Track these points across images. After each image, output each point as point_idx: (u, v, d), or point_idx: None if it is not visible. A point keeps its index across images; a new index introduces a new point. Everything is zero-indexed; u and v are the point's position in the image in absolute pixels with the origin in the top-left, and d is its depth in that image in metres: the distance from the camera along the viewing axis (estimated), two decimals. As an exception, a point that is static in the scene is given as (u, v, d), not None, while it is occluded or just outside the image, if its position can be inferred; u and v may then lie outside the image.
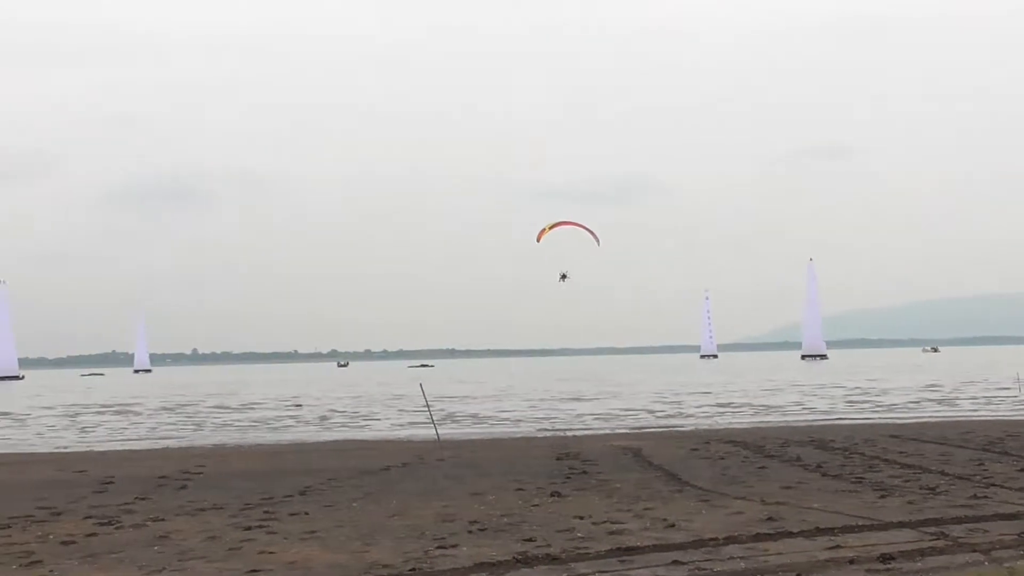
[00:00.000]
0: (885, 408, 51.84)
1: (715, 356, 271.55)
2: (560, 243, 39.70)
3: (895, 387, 75.00)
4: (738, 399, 63.96)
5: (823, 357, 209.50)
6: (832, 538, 14.45)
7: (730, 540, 14.48)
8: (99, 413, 65.37)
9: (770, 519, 16.20)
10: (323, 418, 54.50)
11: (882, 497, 18.44)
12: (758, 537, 14.67)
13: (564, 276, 40.47)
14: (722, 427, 41.04)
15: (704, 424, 43.59)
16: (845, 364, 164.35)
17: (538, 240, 38.62)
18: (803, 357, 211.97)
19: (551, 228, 38.91)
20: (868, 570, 12.46)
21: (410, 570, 13.16)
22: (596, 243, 39.80)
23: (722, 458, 26.43)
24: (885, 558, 13.01)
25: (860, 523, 15.59)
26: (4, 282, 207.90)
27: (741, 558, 13.32)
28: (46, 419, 60.19)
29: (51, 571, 13.72)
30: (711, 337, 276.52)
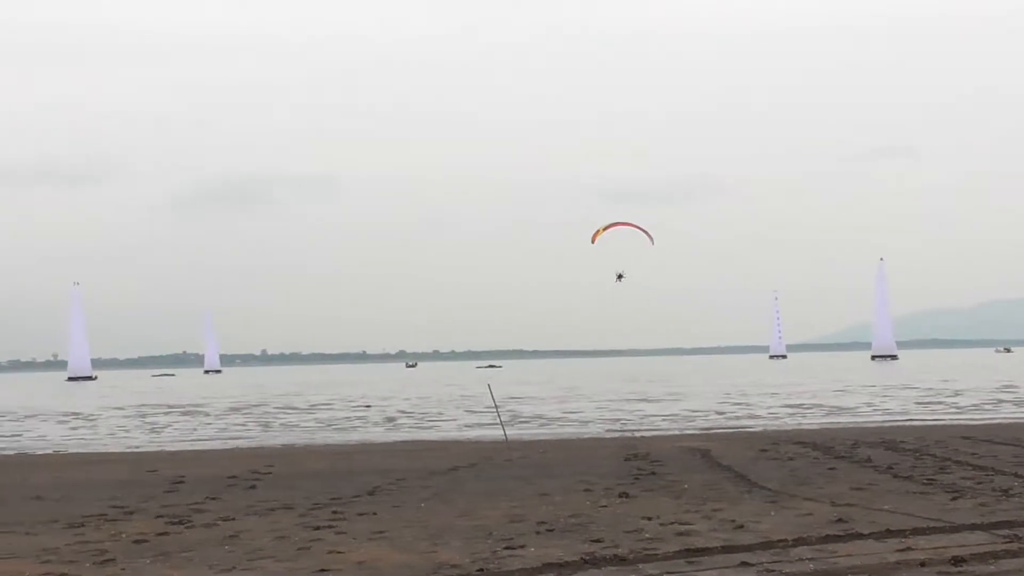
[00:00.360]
0: (957, 409, 51.25)
1: (784, 356, 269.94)
2: (619, 243, 39.87)
3: (967, 388, 74.12)
4: (807, 400, 63.50)
5: (893, 358, 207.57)
6: (903, 540, 14.32)
7: (799, 542, 14.38)
8: (170, 413, 66.03)
9: (840, 521, 16.08)
10: (391, 419, 54.71)
11: (954, 499, 18.23)
12: (827, 539, 14.56)
13: (620, 276, 40.95)
14: (791, 428, 40.76)
15: (773, 425, 43.32)
16: (916, 365, 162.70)
17: (592, 241, 38.89)
18: (873, 358, 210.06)
19: (605, 229, 39.11)
20: (939, 573, 12.33)
21: (478, 570, 13.19)
22: (651, 242, 39.93)
23: (791, 459, 26.26)
24: (957, 561, 12.88)
25: (931, 525, 15.43)
26: (78, 284, 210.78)
27: (810, 560, 13.23)
28: (118, 419, 60.90)
29: (123, 569, 13.88)
30: (780, 337, 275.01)
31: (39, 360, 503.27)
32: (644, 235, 40.18)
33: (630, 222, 40.59)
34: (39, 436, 48.68)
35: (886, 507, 17.43)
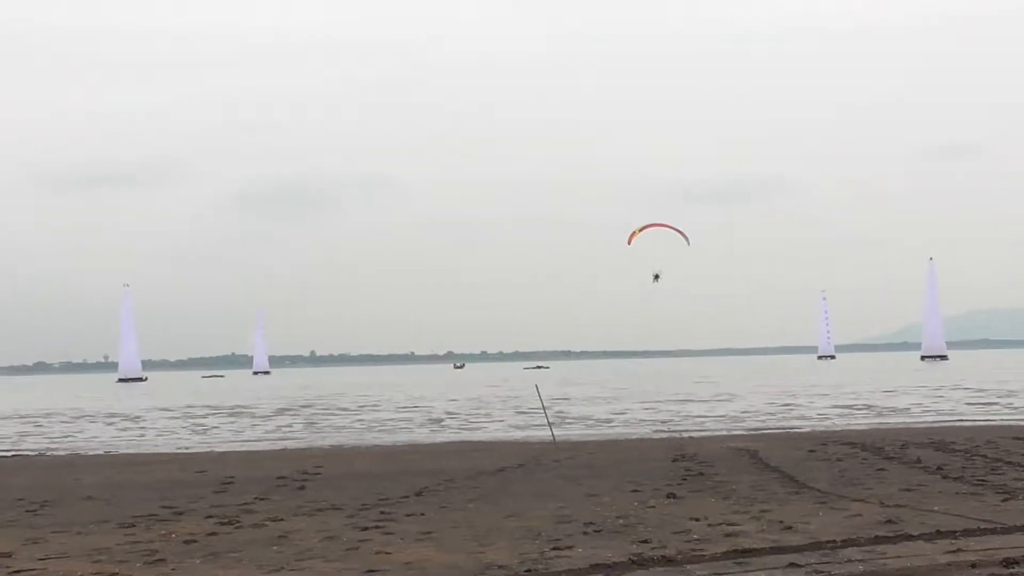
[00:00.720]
0: (1009, 410, 50.80)
1: (833, 357, 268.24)
2: (655, 244, 40.05)
3: (1019, 388, 73.46)
4: (856, 400, 63.14)
5: (943, 358, 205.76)
6: (953, 542, 14.21)
7: (848, 543, 14.31)
8: (219, 414, 66.47)
9: (889, 522, 15.98)
10: (439, 419, 54.84)
11: (1005, 500, 18.08)
12: (877, 540, 14.48)
13: (657, 276, 41.34)
14: (840, 428, 40.55)
15: (821, 425, 43.11)
16: (967, 365, 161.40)
17: (629, 243, 39.06)
18: (923, 358, 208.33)
19: (640, 231, 39.25)
20: (990, 574, 12.24)
21: (526, 571, 13.20)
22: (686, 243, 40.10)
23: (840, 460, 26.12)
24: (1008, 563, 12.77)
25: (982, 527, 15.30)
26: (128, 285, 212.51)
27: (859, 561, 13.16)
28: (167, 420, 61.38)
29: (173, 569, 13.99)
30: (829, 338, 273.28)
31: (90, 361, 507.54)
32: (680, 236, 40.50)
33: (665, 223, 40.91)
34: (90, 437, 49.13)
35: (936, 508, 17.31)
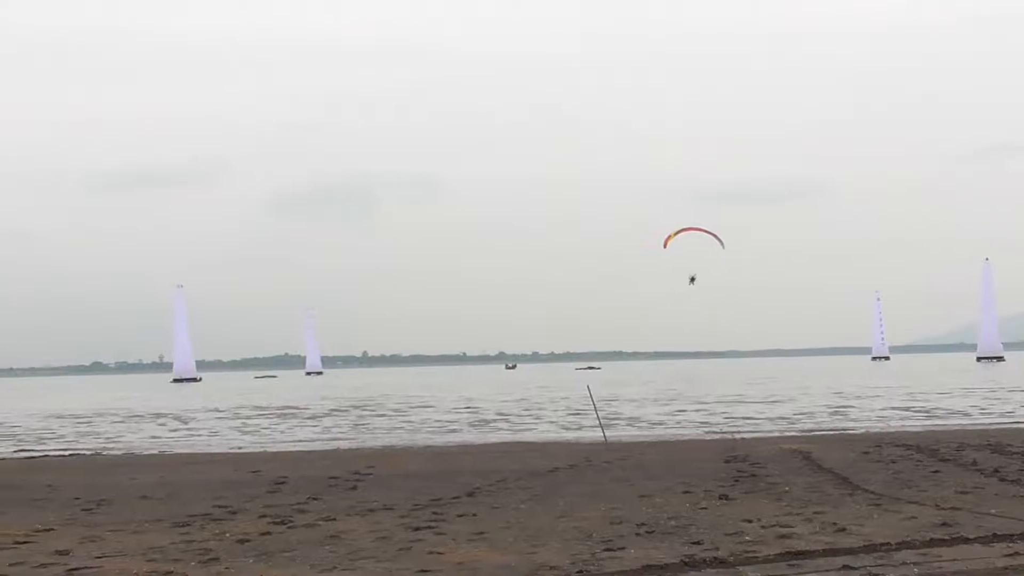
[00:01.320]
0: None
1: (887, 358, 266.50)
2: (693, 246, 40.37)
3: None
4: (911, 401, 62.68)
5: (999, 359, 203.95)
6: (1010, 545, 14.08)
7: (903, 545, 14.21)
8: (272, 415, 66.84)
9: (945, 524, 15.85)
10: (490, 420, 54.89)
11: (1062, 503, 17.90)
12: (932, 543, 14.37)
13: (693, 279, 41.97)
14: (894, 430, 40.25)
15: (876, 427, 42.82)
16: (1023, 366, 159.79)
17: (664, 246, 39.39)
18: (979, 359, 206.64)
19: (676, 234, 39.57)
20: (1048, 578, 12.11)
21: (578, 572, 13.19)
22: (721, 247, 40.43)
23: (894, 462, 25.92)
24: (1066, 566, 12.64)
25: (1039, 530, 15.17)
26: (182, 286, 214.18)
27: (914, 564, 13.06)
28: (221, 420, 61.79)
29: (227, 568, 14.08)
30: (883, 339, 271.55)
31: (145, 362, 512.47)
32: (715, 240, 41.12)
33: (700, 227, 41.39)
34: (145, 436, 49.54)
35: (992, 511, 17.15)
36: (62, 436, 51.13)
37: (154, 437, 49.08)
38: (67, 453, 39.57)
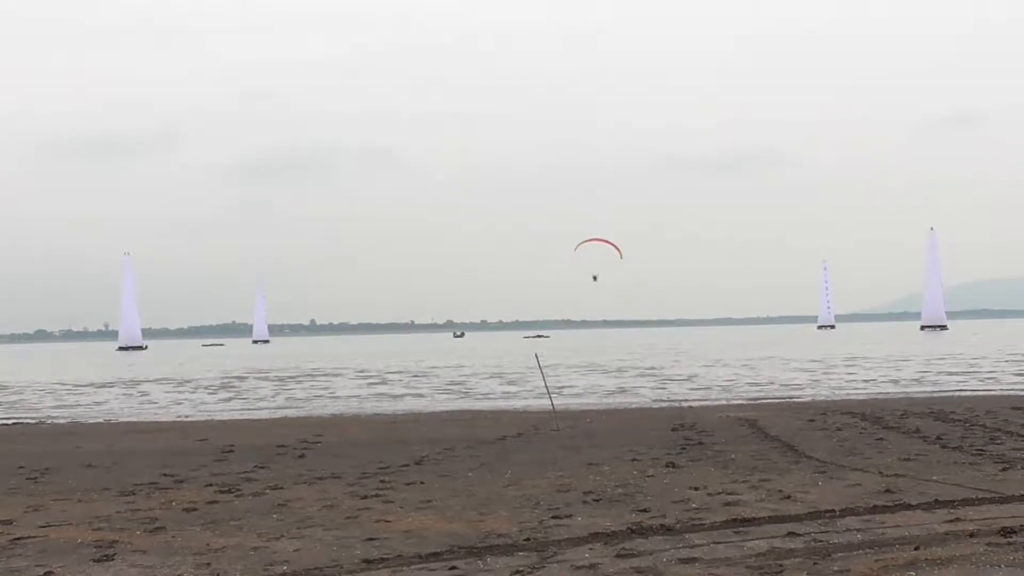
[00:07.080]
0: (1008, 379, 50.83)
1: (833, 327, 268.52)
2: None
3: (1018, 358, 73.51)
4: (855, 369, 63.20)
5: (943, 328, 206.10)
6: (952, 511, 14.25)
7: (847, 512, 14.35)
8: (218, 383, 66.52)
9: (888, 491, 16.02)
10: (439, 388, 54.89)
11: (1004, 470, 18.12)
12: (875, 509, 14.52)
13: (595, 277, 51.17)
14: (840, 398, 40.60)
15: (821, 395, 43.16)
16: (966, 335, 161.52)
17: (575, 250, 48.33)
18: (923, 328, 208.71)
19: (583, 244, 49.00)
20: (989, 544, 12.26)
21: (525, 540, 13.23)
22: (619, 256, 49.96)
23: (839, 429, 26.17)
24: (1006, 532, 12.80)
25: (981, 496, 15.35)
26: (128, 254, 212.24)
27: (858, 530, 13.19)
28: (167, 388, 61.43)
29: (174, 537, 14.03)
30: (829, 308, 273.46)
31: (91, 330, 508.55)
32: (614, 249, 50.28)
33: (602, 238, 50.62)
34: (90, 405, 49.18)
35: (935, 478, 17.35)
36: (5, 404, 50.67)
37: (99, 404, 48.75)
38: (10, 422, 39.23)
